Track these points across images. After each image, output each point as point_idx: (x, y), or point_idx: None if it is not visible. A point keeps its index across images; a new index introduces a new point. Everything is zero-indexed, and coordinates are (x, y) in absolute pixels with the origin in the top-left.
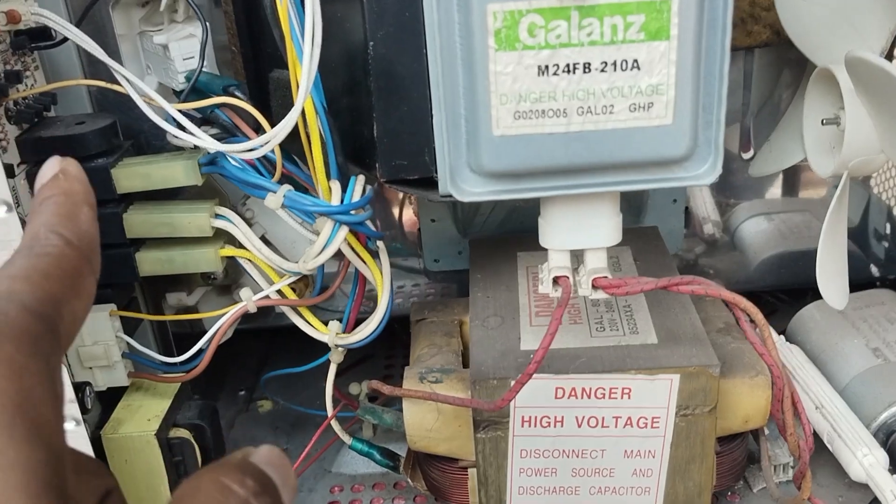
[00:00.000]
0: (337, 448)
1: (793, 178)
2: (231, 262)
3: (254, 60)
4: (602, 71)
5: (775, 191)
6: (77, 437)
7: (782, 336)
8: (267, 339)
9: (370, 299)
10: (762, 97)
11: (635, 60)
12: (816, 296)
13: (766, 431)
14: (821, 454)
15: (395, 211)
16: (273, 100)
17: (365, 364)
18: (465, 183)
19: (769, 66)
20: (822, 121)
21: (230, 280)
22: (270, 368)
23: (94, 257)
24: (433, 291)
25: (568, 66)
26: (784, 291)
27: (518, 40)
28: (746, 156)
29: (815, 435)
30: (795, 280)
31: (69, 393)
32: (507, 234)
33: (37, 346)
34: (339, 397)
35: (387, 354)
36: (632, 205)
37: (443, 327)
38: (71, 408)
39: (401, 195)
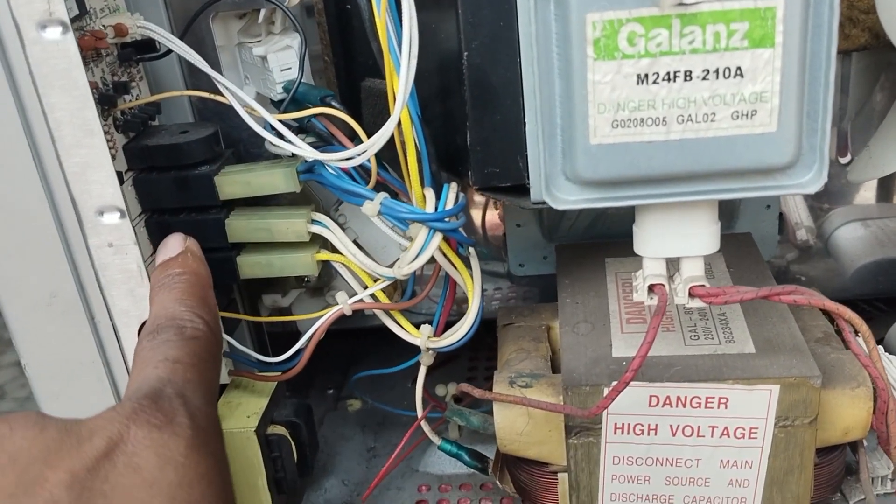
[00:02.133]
0: (424, 448)
1: (889, 183)
2: (324, 265)
3: (346, 70)
4: (704, 79)
5: (870, 196)
6: None
7: (880, 346)
8: (354, 339)
9: (457, 302)
10: (859, 101)
11: (738, 68)
12: None
13: (865, 443)
14: None
15: (478, 215)
16: (364, 108)
17: (448, 366)
18: (559, 191)
19: (867, 70)
20: None
21: (322, 283)
22: (358, 368)
23: (222, 342)
24: (515, 295)
25: (668, 74)
26: (881, 300)
27: (617, 49)
28: (844, 160)
29: None
30: (893, 288)
31: None
32: (594, 239)
33: (220, 435)
34: (428, 398)
35: (470, 356)
36: (724, 211)
37: (530, 332)
38: None
39: (484, 199)
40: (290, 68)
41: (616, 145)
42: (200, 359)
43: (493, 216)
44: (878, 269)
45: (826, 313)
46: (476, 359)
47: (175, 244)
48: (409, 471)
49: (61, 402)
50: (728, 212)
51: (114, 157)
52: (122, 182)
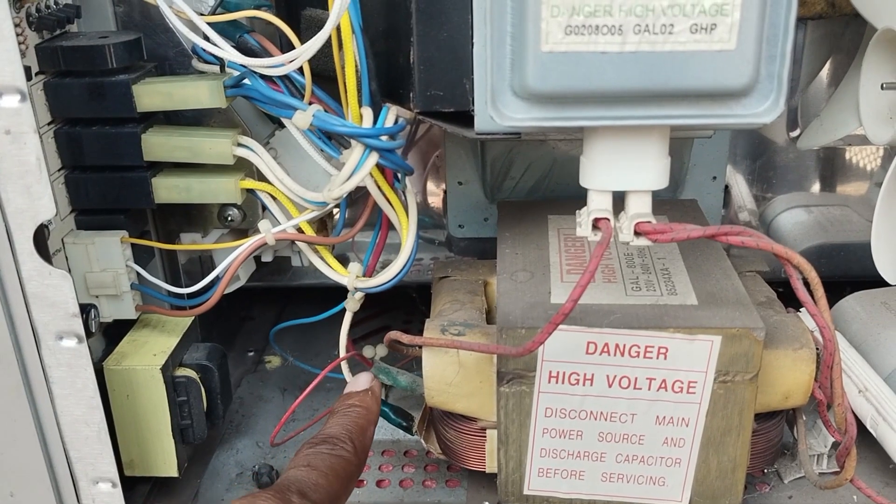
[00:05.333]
0: None
1: (831, 172)
2: (249, 206)
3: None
4: None
5: (813, 186)
6: (78, 356)
7: None
8: (279, 301)
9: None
10: (811, 74)
11: None
12: (854, 289)
13: (804, 417)
14: (861, 440)
15: (419, 181)
16: (303, 38)
17: (379, 334)
18: (506, 107)
19: (820, 41)
20: (883, 85)
21: (247, 224)
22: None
23: (363, 468)
24: None
25: None
26: (823, 283)
27: None
28: (794, 134)
29: (857, 420)
30: (833, 273)
31: (72, 308)
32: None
33: None
34: (354, 355)
35: (404, 320)
36: (669, 179)
37: (466, 286)
38: (73, 323)
39: (425, 164)
40: None
41: (568, 54)
42: (334, 472)
43: (432, 184)
44: (820, 253)
45: (769, 282)
46: (410, 321)
47: (363, 381)
48: None
49: None
50: (673, 181)
51: (24, 55)
52: (31, 78)
